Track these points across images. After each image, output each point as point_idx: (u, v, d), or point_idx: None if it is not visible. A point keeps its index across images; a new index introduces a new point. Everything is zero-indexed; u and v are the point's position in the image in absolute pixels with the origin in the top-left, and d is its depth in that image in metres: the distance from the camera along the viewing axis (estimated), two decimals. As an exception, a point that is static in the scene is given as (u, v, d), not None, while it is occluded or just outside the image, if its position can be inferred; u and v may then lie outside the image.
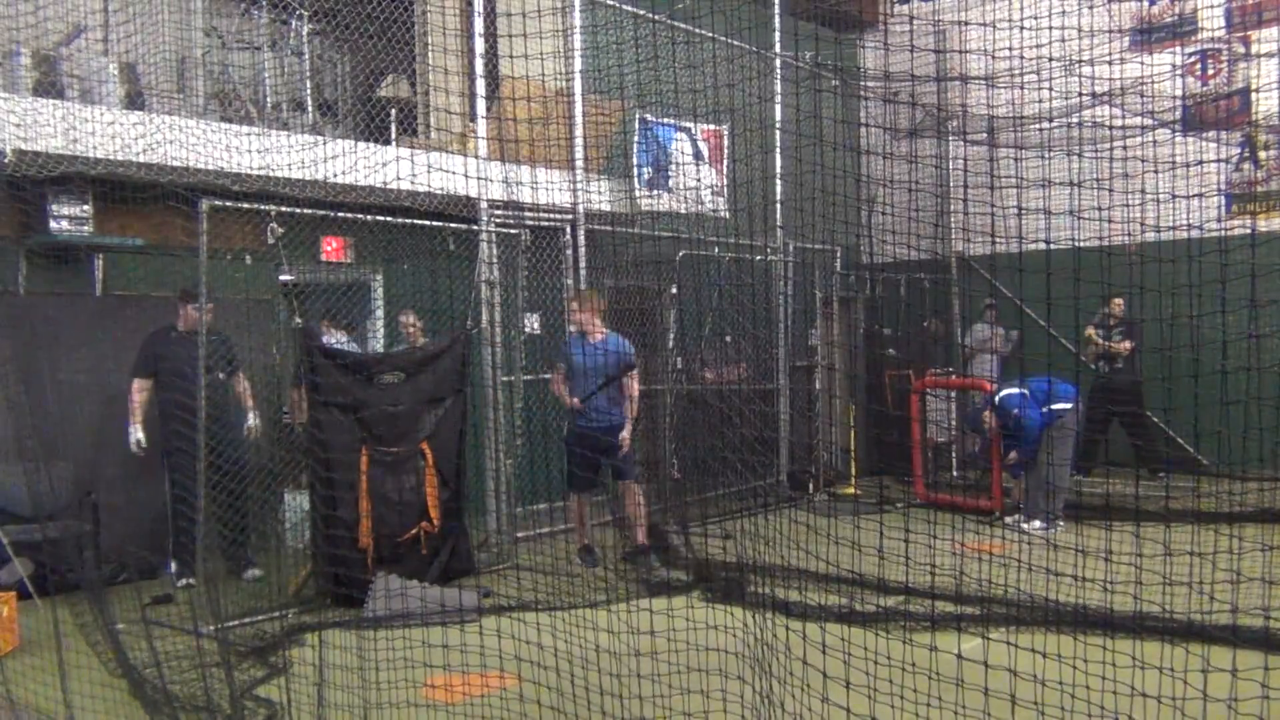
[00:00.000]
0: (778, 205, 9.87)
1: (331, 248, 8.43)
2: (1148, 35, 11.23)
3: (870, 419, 10.97)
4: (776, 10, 10.40)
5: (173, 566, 6.97)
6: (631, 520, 7.53)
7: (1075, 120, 8.73)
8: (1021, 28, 5.93)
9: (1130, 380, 10.16)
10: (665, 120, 9.57)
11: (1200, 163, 8.93)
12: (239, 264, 7.28)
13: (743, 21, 8.50)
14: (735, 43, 8.08)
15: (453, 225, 7.98)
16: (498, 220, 8.11)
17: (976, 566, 5.96)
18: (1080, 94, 8.82)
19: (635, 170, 9.49)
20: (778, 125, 9.51)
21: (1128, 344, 10.11)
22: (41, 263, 7.25)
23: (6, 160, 6.42)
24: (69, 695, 4.60)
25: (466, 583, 6.92)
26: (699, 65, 8.08)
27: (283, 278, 7.82)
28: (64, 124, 6.60)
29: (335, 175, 7.25)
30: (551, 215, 8.59)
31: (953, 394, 11.08)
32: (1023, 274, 4.78)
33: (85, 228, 7.11)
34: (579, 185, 8.71)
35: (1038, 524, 8.38)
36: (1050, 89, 7.39)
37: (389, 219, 7.49)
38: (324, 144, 7.53)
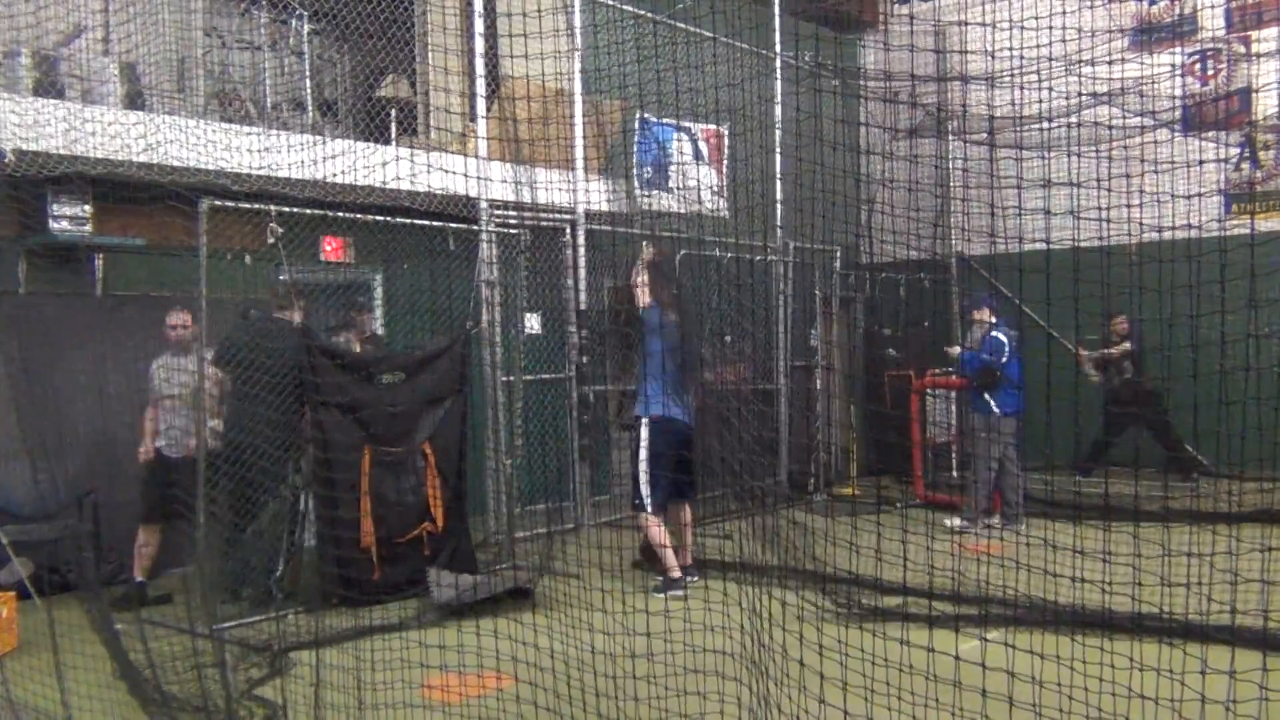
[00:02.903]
0: (778, 205, 9.87)
1: (331, 248, 8.43)
2: (1148, 35, 11.22)
3: (870, 419, 10.96)
4: (776, 10, 10.40)
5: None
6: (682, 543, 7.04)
7: (1075, 120, 8.72)
8: (1022, 28, 5.92)
9: (1146, 386, 10.18)
10: (665, 120, 9.57)
11: (1200, 162, 8.92)
12: (239, 264, 7.28)
13: (743, 21, 8.49)
14: (735, 43, 8.08)
15: (453, 225, 7.98)
16: (498, 220, 8.11)
17: (975, 567, 5.96)
18: (1080, 94, 8.81)
19: (635, 170, 9.49)
20: (778, 125, 9.51)
21: (1126, 345, 10.12)
22: (41, 263, 7.25)
23: (7, 160, 6.42)
24: (67, 695, 4.61)
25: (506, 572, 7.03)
26: (699, 65, 8.07)
27: (282, 278, 7.82)
28: (64, 124, 6.60)
29: (335, 175, 7.25)
30: (551, 215, 8.59)
31: (952, 394, 11.07)
32: (1022, 274, 4.78)
33: (85, 228, 7.11)
34: (579, 185, 8.71)
35: (960, 521, 8.55)
36: (1050, 89, 7.38)
37: (389, 219, 7.50)
38: (324, 144, 7.53)
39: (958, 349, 9.33)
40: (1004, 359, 8.60)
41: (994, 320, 8.92)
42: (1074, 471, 9.92)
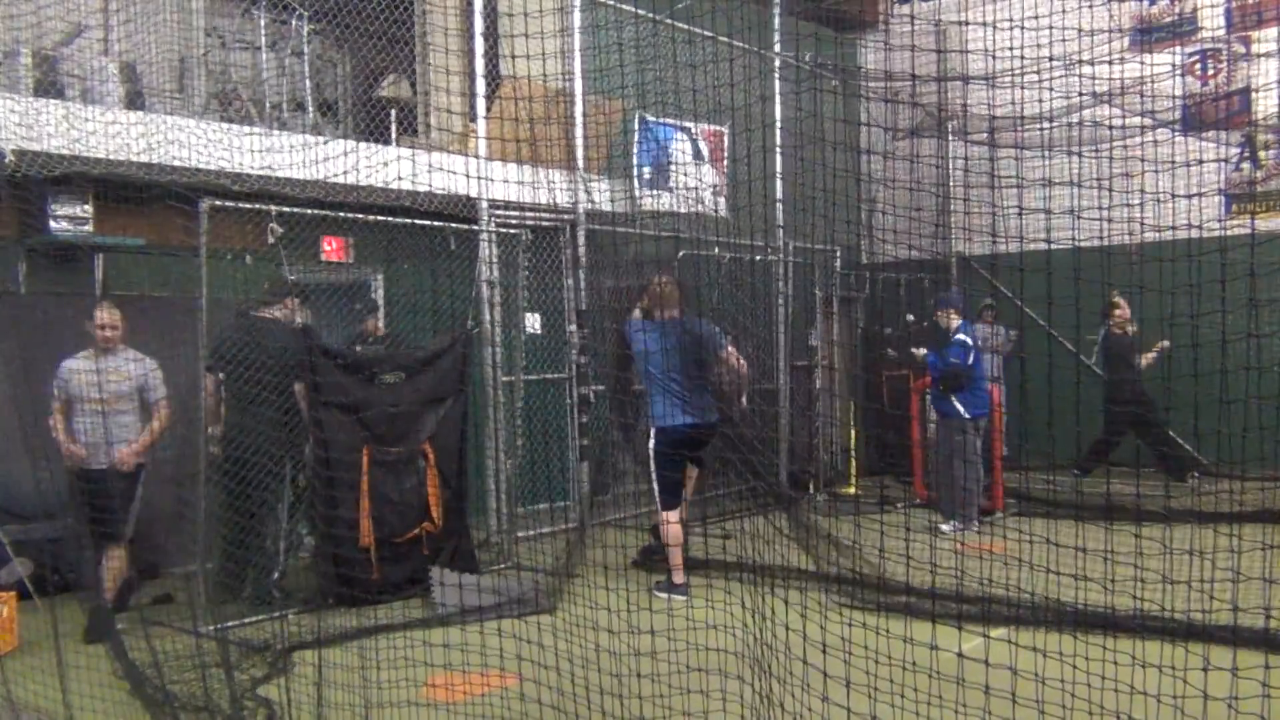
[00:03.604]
0: (778, 205, 9.86)
1: (331, 247, 8.42)
2: (1148, 35, 11.23)
3: (870, 418, 10.97)
4: (776, 10, 10.40)
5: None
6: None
7: (1075, 120, 8.73)
8: (1022, 28, 5.92)
9: (1138, 386, 10.20)
10: (665, 120, 9.57)
11: (1200, 162, 8.94)
12: (239, 264, 7.27)
13: (743, 21, 8.49)
14: (735, 43, 8.08)
15: (453, 225, 7.98)
16: (498, 220, 8.12)
17: (978, 566, 5.96)
18: (1080, 94, 8.82)
19: (635, 170, 9.49)
20: (778, 125, 9.50)
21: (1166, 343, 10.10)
22: (41, 263, 7.25)
23: (7, 160, 6.42)
24: (68, 695, 4.61)
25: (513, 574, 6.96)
26: (699, 65, 8.08)
27: (272, 279, 7.81)
28: (65, 124, 6.60)
29: (336, 175, 7.25)
30: (551, 215, 8.59)
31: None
32: (1023, 274, 4.78)
33: (85, 227, 7.11)
34: (579, 185, 8.71)
35: (952, 525, 8.51)
36: (1050, 89, 7.39)
37: (389, 219, 7.49)
38: (324, 144, 7.53)
39: (923, 350, 9.33)
40: (969, 361, 8.58)
41: (960, 321, 8.90)
42: (1074, 471, 9.94)
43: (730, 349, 6.77)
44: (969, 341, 8.65)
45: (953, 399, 8.60)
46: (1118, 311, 10.18)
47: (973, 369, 8.58)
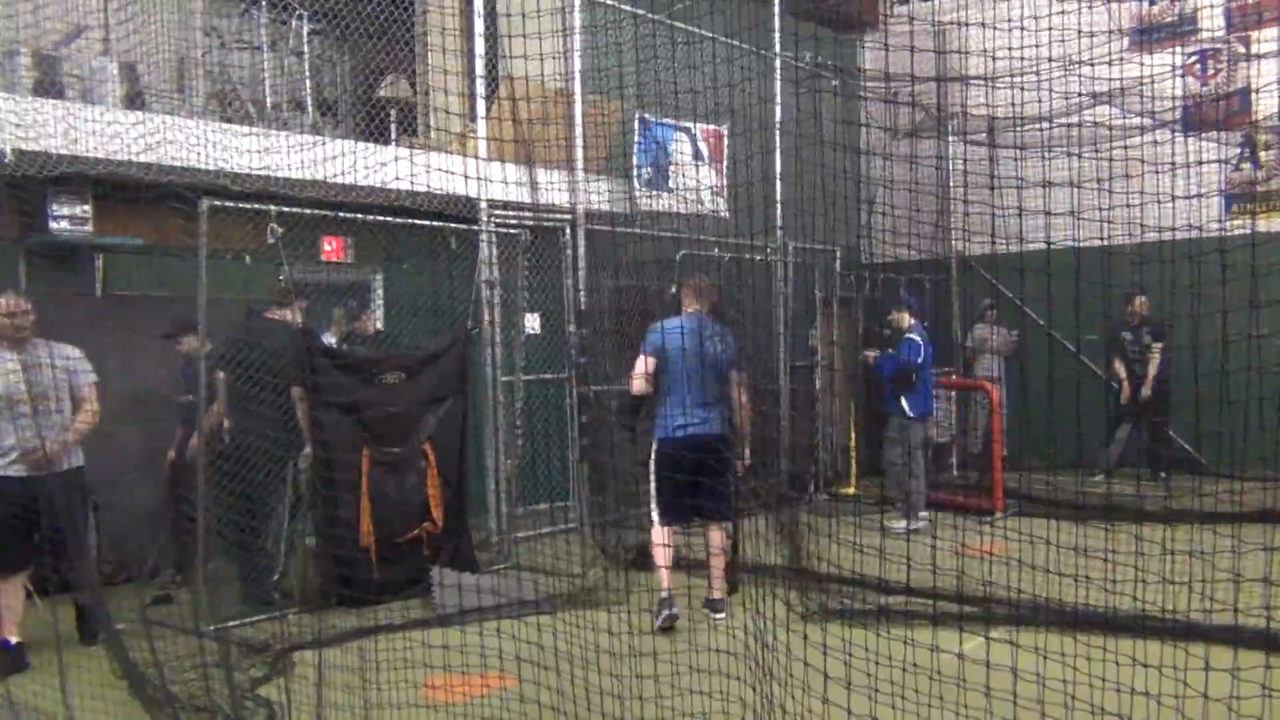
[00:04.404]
0: (778, 205, 9.86)
1: (331, 247, 8.42)
2: (1148, 35, 11.23)
3: (870, 419, 10.96)
4: (776, 10, 10.39)
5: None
6: (709, 569, 6.21)
7: (1075, 120, 8.73)
8: (1022, 28, 5.92)
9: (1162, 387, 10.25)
10: (665, 120, 9.57)
11: (1200, 163, 8.93)
12: (239, 264, 7.27)
13: (742, 22, 8.49)
14: (735, 43, 8.08)
15: (453, 225, 7.98)
16: (498, 220, 8.12)
17: (978, 567, 5.96)
18: (1080, 94, 8.81)
19: (635, 170, 9.49)
20: (778, 125, 9.51)
21: (1152, 371, 10.17)
22: (41, 263, 7.24)
23: (7, 160, 6.41)
24: (68, 695, 4.60)
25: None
26: (699, 65, 8.07)
27: (281, 278, 7.81)
28: (64, 124, 6.59)
29: (335, 175, 7.24)
30: (552, 215, 8.58)
31: (954, 394, 11.09)
32: (1023, 274, 4.79)
33: (85, 228, 7.10)
34: (579, 185, 8.71)
35: (903, 525, 8.48)
36: (1050, 89, 7.39)
37: (389, 219, 7.49)
38: (324, 144, 7.52)
39: (875, 352, 9.37)
40: (917, 359, 8.62)
41: (913, 322, 8.93)
42: (1090, 470, 9.94)
43: (740, 383, 6.38)
44: (918, 340, 8.71)
45: (900, 398, 8.64)
46: (1139, 300, 10.18)
47: (920, 367, 8.63)
